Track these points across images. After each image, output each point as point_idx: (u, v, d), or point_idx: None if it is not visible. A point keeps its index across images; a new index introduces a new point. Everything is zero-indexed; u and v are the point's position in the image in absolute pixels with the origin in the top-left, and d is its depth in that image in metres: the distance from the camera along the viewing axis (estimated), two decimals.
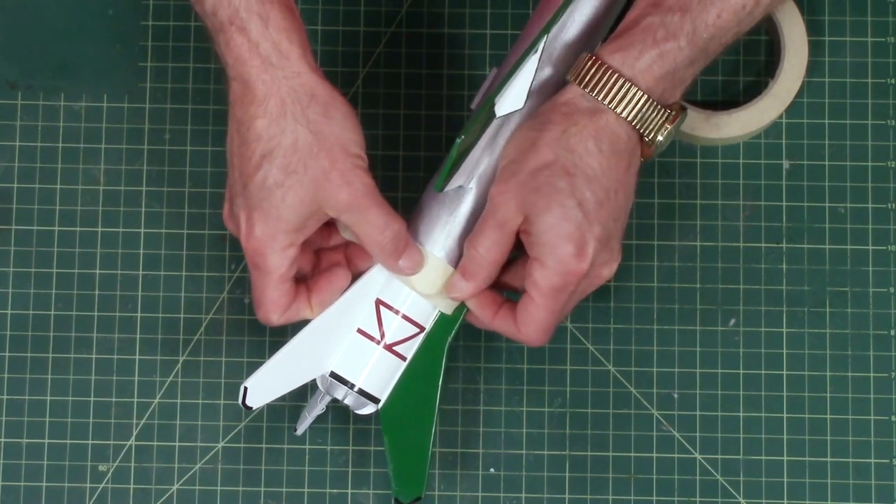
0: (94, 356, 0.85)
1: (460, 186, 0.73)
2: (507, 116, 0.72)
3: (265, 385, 0.73)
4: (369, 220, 0.71)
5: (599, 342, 0.85)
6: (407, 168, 0.86)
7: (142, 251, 0.85)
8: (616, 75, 0.69)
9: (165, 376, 0.85)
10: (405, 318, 0.74)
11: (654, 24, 0.69)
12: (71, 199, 0.86)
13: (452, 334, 0.75)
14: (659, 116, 0.70)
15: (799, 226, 0.86)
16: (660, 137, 0.70)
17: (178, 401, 0.84)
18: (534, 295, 0.71)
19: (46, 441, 0.84)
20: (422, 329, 0.74)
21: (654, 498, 0.84)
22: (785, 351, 0.85)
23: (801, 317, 0.85)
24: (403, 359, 0.75)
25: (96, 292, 0.85)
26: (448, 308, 0.74)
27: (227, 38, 0.69)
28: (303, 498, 0.84)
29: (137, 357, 0.85)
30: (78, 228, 0.86)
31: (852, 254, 0.85)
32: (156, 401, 0.85)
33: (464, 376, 0.85)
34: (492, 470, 0.84)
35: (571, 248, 0.69)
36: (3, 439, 0.84)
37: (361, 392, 0.74)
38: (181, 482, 0.84)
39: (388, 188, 0.85)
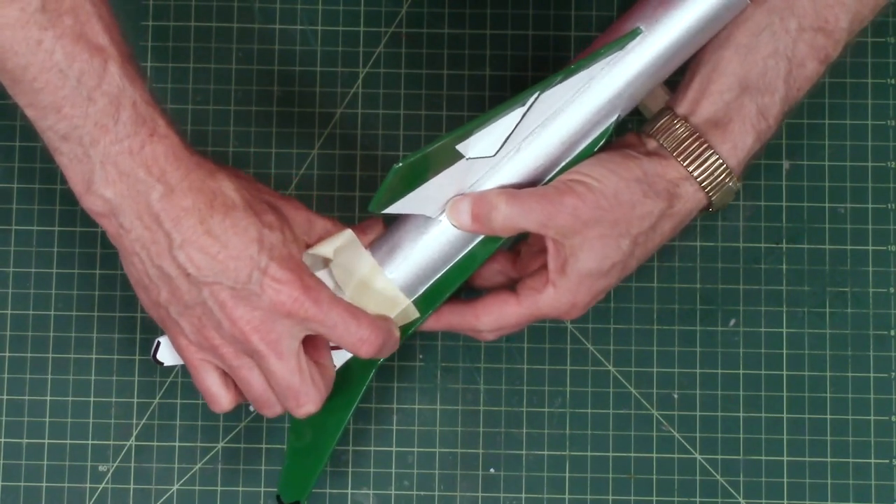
0: (94, 356, 0.85)
1: (427, 217, 0.71)
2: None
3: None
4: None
5: (599, 342, 0.85)
6: None
7: None
8: (723, 165, 0.70)
9: (165, 376, 0.85)
10: None
11: (748, 108, 0.70)
12: (71, 200, 0.85)
13: (383, 358, 0.74)
14: (733, 191, 0.72)
15: (799, 226, 0.86)
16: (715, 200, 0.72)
17: (178, 401, 0.84)
18: (522, 300, 0.72)
19: (46, 441, 0.84)
20: None
21: (654, 498, 0.84)
22: (785, 351, 0.85)
23: (801, 317, 0.85)
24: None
25: (96, 292, 0.85)
26: None
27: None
28: None
29: (137, 357, 0.85)
30: (78, 228, 0.86)
31: (852, 254, 0.85)
32: (156, 401, 0.85)
33: (464, 376, 0.85)
34: (492, 470, 0.84)
35: (586, 299, 0.72)
36: (3, 439, 0.84)
37: None
38: (181, 482, 0.84)
39: None
